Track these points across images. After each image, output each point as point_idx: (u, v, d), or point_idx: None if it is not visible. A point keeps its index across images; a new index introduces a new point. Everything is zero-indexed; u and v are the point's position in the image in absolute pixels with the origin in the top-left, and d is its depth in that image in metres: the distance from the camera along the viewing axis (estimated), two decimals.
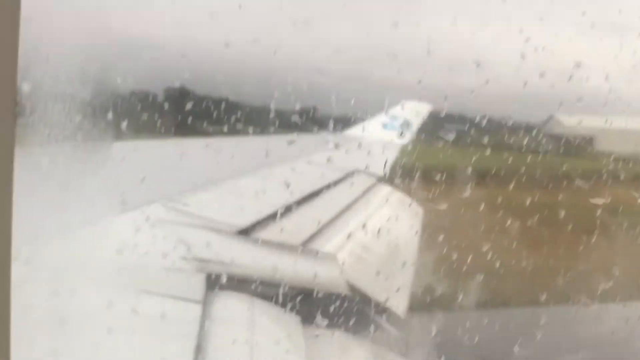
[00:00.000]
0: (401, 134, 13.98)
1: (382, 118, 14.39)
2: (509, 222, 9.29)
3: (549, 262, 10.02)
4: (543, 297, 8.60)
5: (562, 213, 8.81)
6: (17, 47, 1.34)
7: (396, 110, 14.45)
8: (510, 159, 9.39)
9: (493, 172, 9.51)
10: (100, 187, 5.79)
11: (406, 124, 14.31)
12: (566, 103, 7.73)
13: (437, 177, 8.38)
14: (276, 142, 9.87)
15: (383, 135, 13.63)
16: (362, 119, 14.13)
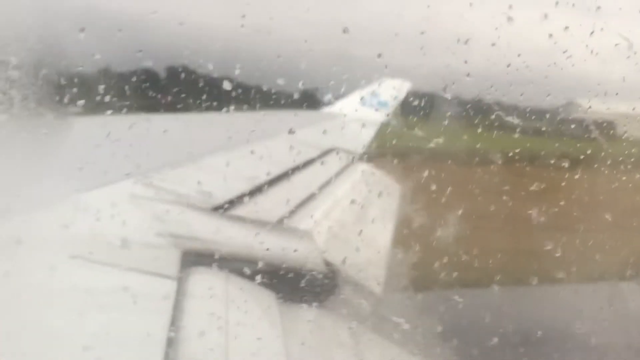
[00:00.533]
0: (378, 110, 13.97)
1: (360, 94, 14.36)
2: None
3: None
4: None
5: None
6: None
7: (375, 87, 14.44)
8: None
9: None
10: (72, 163, 5.74)
11: (384, 102, 14.30)
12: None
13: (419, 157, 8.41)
14: (254, 119, 9.82)
15: (361, 112, 13.61)
16: (341, 96, 14.13)
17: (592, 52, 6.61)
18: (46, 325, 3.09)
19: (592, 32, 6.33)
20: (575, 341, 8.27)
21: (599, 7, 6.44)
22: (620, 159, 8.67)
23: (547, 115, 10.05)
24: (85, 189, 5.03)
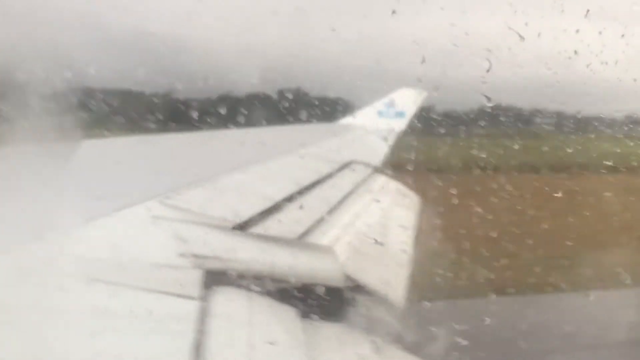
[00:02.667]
0: (395, 121, 13.96)
1: (378, 106, 14.35)
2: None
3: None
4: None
5: None
6: None
7: (392, 97, 14.43)
8: None
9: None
10: (93, 185, 5.80)
11: (401, 112, 14.28)
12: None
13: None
14: (272, 134, 9.87)
15: (378, 123, 13.60)
16: (358, 107, 14.16)
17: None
18: (66, 349, 3.11)
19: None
20: None
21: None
22: None
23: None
24: (104, 211, 5.08)
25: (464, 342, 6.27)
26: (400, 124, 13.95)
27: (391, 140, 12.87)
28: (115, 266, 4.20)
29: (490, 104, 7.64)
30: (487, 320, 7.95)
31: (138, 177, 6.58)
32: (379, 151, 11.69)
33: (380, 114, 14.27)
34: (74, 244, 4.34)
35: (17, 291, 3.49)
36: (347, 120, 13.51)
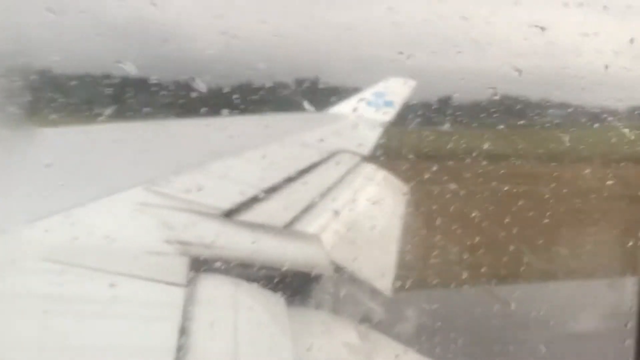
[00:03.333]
0: (384, 110, 13.94)
1: (366, 95, 14.33)
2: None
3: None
4: None
5: None
6: None
7: (381, 86, 14.40)
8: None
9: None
10: (82, 170, 5.78)
11: (390, 101, 14.27)
12: None
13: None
14: (259, 122, 9.85)
15: (367, 112, 13.60)
16: (346, 96, 14.12)
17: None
18: (53, 335, 3.11)
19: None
20: None
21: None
22: None
23: None
24: (93, 197, 5.06)
25: (443, 328, 6.33)
26: (389, 113, 13.93)
27: (379, 129, 12.88)
28: (101, 253, 4.20)
29: (496, 97, 7.68)
30: (476, 310, 8.00)
31: (125, 165, 6.56)
32: (368, 140, 11.70)
33: (368, 103, 14.22)
34: (58, 230, 4.33)
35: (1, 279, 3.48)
36: (335, 109, 13.47)
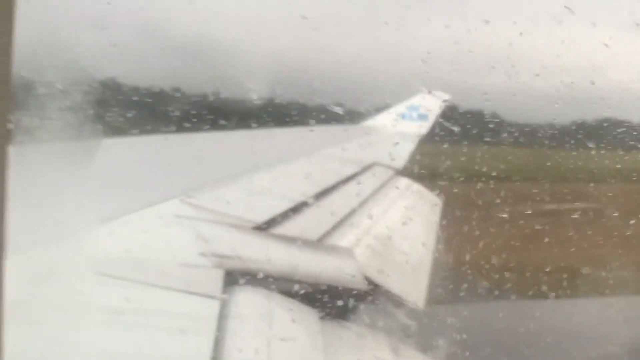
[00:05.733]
0: (418, 123, 13.91)
1: (400, 109, 14.31)
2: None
3: None
4: None
5: None
6: (11, 39, 1.28)
7: (415, 100, 14.37)
8: None
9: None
10: (116, 184, 5.86)
11: (424, 115, 14.23)
12: None
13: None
14: (295, 135, 9.90)
15: (401, 126, 13.58)
16: (380, 110, 14.11)
17: None
18: (90, 346, 3.16)
19: None
20: None
21: None
22: None
23: None
24: (128, 210, 5.14)
25: (477, 344, 6.28)
26: (423, 127, 13.89)
27: (414, 142, 12.84)
28: (137, 265, 4.26)
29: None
30: (501, 324, 7.91)
31: (161, 176, 6.64)
32: (402, 154, 11.67)
33: (403, 116, 14.19)
34: (96, 243, 4.40)
35: (38, 290, 3.54)
36: (370, 122, 13.47)
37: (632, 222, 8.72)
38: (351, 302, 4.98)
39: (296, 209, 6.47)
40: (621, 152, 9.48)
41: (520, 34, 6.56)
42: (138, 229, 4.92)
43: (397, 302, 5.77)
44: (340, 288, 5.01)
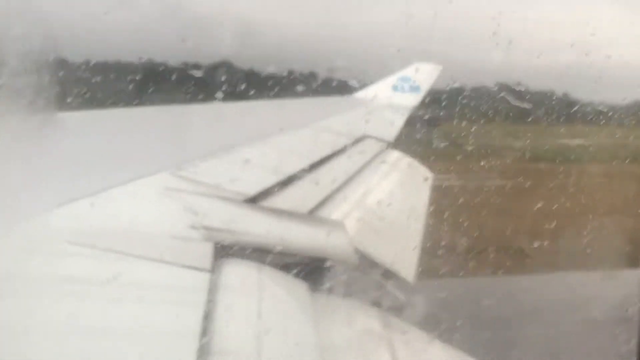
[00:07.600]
0: (410, 95, 13.85)
1: (392, 80, 14.23)
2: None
3: None
4: None
5: None
6: None
7: (407, 72, 14.30)
8: None
9: None
10: (105, 156, 5.82)
11: (416, 86, 14.17)
12: None
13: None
14: (285, 107, 9.84)
15: (393, 97, 13.51)
16: (372, 82, 14.04)
17: None
18: (78, 318, 3.15)
19: None
20: None
21: None
22: None
23: None
24: (118, 182, 5.10)
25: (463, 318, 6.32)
26: (415, 99, 13.84)
27: (405, 114, 12.80)
28: (126, 237, 4.23)
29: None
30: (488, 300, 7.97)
31: (151, 149, 6.60)
32: (393, 126, 11.63)
33: (394, 88, 14.12)
34: (84, 214, 4.37)
35: (27, 264, 3.52)
36: (361, 93, 13.40)
37: None
38: (341, 274, 4.98)
39: (287, 181, 6.45)
40: None
41: None
42: (127, 202, 4.90)
43: (388, 274, 5.78)
44: (331, 261, 5.02)
